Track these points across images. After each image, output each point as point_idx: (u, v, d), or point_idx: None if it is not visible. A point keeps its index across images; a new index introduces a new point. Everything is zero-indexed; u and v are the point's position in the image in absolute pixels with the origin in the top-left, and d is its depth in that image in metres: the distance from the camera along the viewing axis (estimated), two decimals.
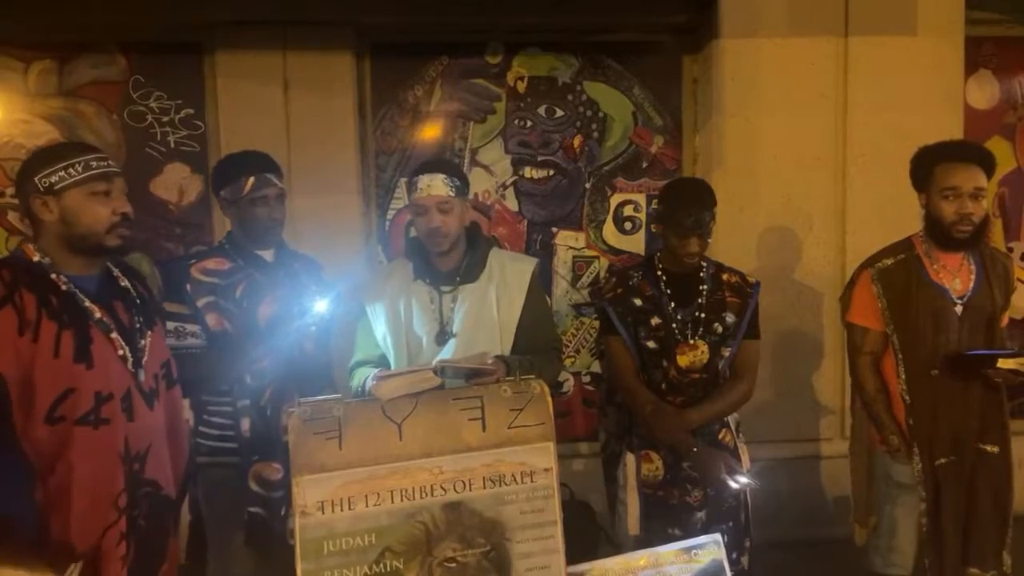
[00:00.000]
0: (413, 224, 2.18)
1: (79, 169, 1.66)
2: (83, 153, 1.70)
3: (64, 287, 1.64)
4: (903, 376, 2.32)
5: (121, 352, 1.68)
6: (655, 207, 2.39)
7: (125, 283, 1.79)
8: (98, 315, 1.66)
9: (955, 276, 2.33)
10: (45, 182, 1.65)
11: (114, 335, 1.68)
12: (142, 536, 1.69)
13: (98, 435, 1.61)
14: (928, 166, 2.32)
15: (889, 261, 2.37)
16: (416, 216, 2.11)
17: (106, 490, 1.62)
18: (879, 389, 2.39)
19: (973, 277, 2.33)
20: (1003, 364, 2.18)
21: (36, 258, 1.66)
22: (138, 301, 1.79)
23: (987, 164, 2.31)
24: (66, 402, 1.58)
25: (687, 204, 2.24)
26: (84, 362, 1.60)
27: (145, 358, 1.73)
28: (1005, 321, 2.43)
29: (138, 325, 1.75)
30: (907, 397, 2.31)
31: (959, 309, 2.30)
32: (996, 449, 2.31)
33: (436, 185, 2.05)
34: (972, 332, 2.30)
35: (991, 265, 2.36)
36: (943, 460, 2.28)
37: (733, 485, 2.18)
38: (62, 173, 1.65)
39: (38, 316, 1.58)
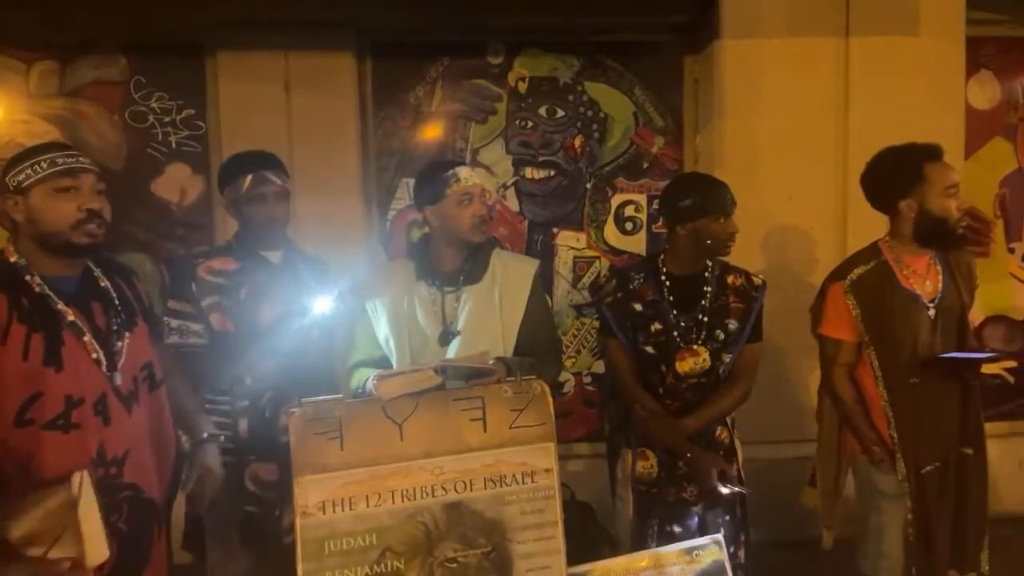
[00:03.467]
0: (440, 219, 2.11)
1: (44, 166, 1.65)
2: (51, 151, 1.68)
3: (37, 289, 1.63)
4: (883, 387, 2.30)
5: (95, 356, 1.67)
6: (661, 207, 2.36)
7: (104, 283, 1.77)
8: (71, 318, 1.65)
9: (925, 279, 2.32)
10: (13, 181, 1.65)
11: (87, 338, 1.66)
12: (123, 540, 1.68)
13: (68, 440, 1.60)
14: (915, 168, 2.28)
15: (860, 271, 2.34)
16: (457, 207, 2.07)
17: None
18: (857, 400, 2.37)
19: (941, 279, 2.33)
20: (986, 369, 2.18)
21: (13, 259, 1.65)
22: (118, 302, 1.77)
23: None
24: (34, 406, 1.57)
25: (718, 185, 2.27)
26: (53, 365, 1.59)
27: (122, 361, 1.72)
28: (971, 318, 2.42)
29: (115, 327, 1.73)
30: (889, 410, 2.29)
31: (932, 312, 2.29)
32: (971, 451, 2.31)
33: (480, 174, 2.14)
34: (945, 333, 2.30)
35: (956, 265, 2.35)
36: (928, 468, 2.28)
37: (725, 491, 2.17)
38: (28, 171, 1.64)
39: (8, 318, 1.57)
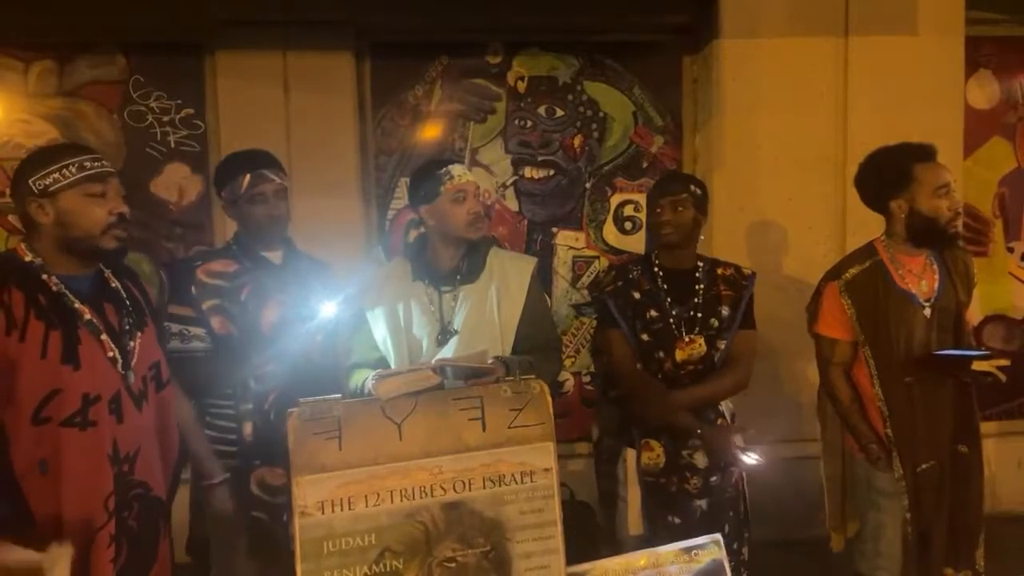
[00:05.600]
0: (435, 218, 2.12)
1: (73, 170, 1.65)
2: (77, 154, 1.68)
3: (54, 287, 1.64)
4: (878, 387, 2.30)
5: (111, 354, 1.67)
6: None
7: (115, 284, 1.78)
8: (87, 317, 1.66)
9: (921, 279, 2.32)
10: (40, 184, 1.63)
11: (104, 337, 1.67)
12: (133, 537, 1.69)
13: (85, 437, 1.60)
14: (904, 169, 2.28)
15: (855, 270, 2.34)
16: (452, 204, 2.07)
17: (95, 492, 1.62)
18: (853, 399, 2.38)
19: (938, 278, 2.33)
20: (977, 366, 2.18)
21: (28, 258, 1.65)
22: (128, 302, 1.78)
23: None
24: (52, 403, 1.57)
25: (667, 177, 2.45)
26: (71, 363, 1.59)
27: (135, 360, 1.73)
28: (968, 317, 2.43)
29: (127, 327, 1.74)
30: (885, 409, 2.29)
31: (927, 312, 2.29)
32: (966, 449, 2.32)
33: (473, 172, 2.08)
34: (941, 333, 2.30)
35: (953, 264, 2.35)
36: (924, 466, 2.28)
37: (746, 460, 2.19)
38: (56, 175, 1.64)
39: (26, 316, 1.57)
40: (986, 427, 2.45)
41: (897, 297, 2.29)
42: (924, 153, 2.30)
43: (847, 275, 2.34)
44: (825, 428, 2.57)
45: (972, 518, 2.34)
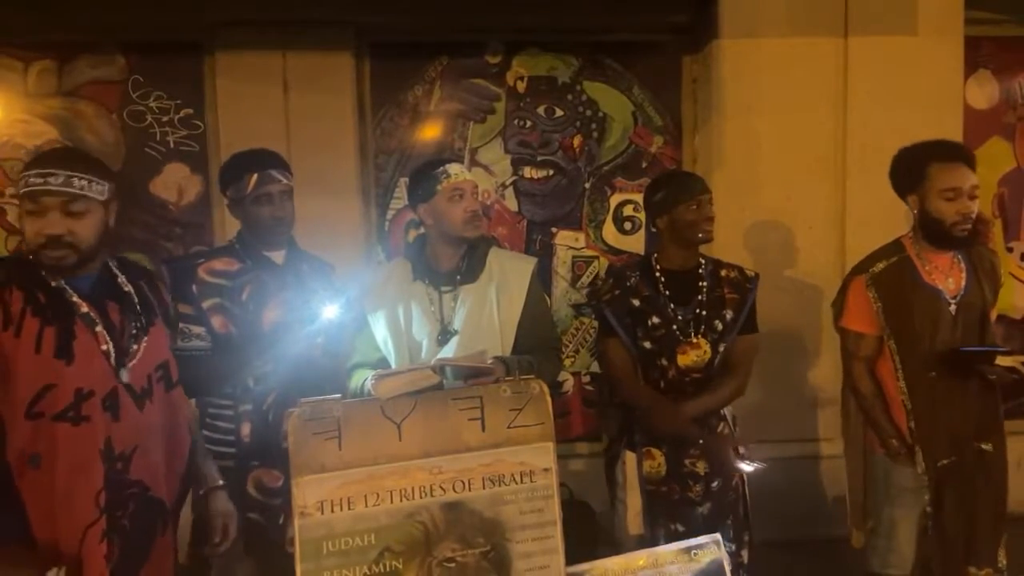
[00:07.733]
0: (433, 216, 2.13)
1: (23, 184, 1.65)
2: (39, 165, 1.64)
3: (54, 283, 1.65)
4: (902, 381, 2.32)
5: (105, 347, 1.67)
6: (644, 208, 2.40)
7: (128, 288, 1.78)
8: (84, 310, 1.66)
9: (947, 276, 2.33)
10: (19, 186, 1.67)
11: (99, 329, 1.67)
12: (125, 536, 1.69)
13: (78, 432, 1.61)
14: (920, 167, 2.30)
15: (882, 265, 2.36)
16: (449, 202, 2.08)
17: (86, 488, 1.62)
18: (876, 394, 2.38)
19: (964, 276, 2.34)
20: (1001, 361, 2.18)
21: (31, 256, 1.66)
22: (136, 302, 1.78)
23: (973, 164, 2.30)
24: (45, 398, 1.58)
25: (687, 174, 2.39)
26: (64, 358, 1.60)
27: (135, 360, 1.73)
28: (993, 317, 2.44)
29: (134, 327, 1.74)
30: (908, 402, 2.30)
31: (953, 309, 2.30)
32: (991, 447, 2.32)
33: (472, 172, 2.07)
34: (966, 331, 2.31)
35: (979, 262, 2.37)
36: (945, 461, 2.28)
37: (746, 468, 2.19)
38: (22, 183, 1.66)
39: (23, 311, 1.59)
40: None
41: (924, 292, 2.31)
42: (942, 153, 2.30)
43: (874, 269, 2.36)
44: (848, 424, 2.57)
45: (994, 516, 2.33)
